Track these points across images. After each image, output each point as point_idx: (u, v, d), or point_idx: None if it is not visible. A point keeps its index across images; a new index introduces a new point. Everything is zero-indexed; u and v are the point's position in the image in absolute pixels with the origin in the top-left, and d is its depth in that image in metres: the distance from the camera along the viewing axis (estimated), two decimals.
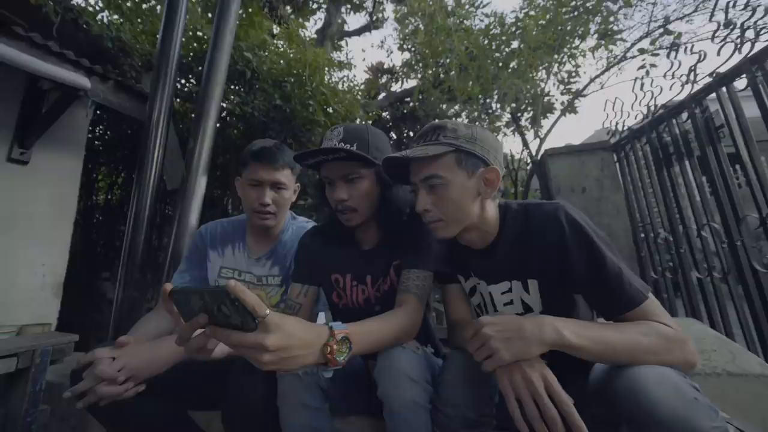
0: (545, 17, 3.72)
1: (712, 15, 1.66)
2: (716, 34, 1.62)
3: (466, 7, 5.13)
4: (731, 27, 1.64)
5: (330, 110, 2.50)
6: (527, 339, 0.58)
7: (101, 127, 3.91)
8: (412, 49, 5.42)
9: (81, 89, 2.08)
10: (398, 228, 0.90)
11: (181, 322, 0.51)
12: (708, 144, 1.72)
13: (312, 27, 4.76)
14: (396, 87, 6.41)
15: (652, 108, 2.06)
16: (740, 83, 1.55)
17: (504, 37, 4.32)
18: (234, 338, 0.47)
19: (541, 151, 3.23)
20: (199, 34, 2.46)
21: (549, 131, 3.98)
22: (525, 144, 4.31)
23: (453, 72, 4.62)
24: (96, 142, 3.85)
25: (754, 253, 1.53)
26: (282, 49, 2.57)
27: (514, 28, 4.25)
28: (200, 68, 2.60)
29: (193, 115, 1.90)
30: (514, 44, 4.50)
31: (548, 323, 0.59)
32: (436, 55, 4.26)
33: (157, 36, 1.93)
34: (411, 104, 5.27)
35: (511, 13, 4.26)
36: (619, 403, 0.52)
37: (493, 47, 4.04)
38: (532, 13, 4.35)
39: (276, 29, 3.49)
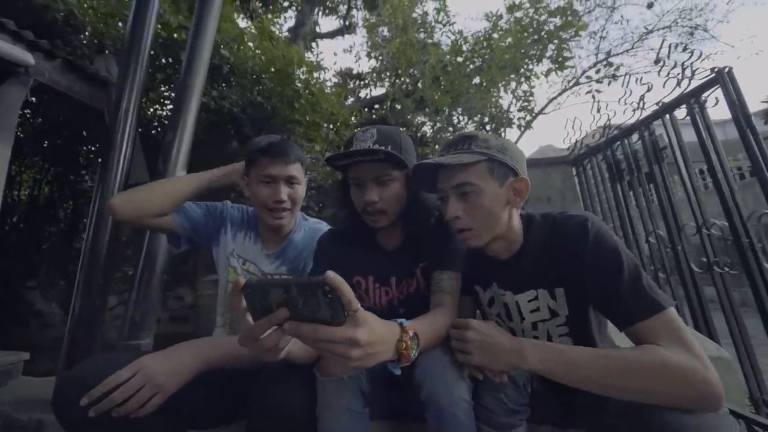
0: (510, 38, 4.04)
1: (658, 55, 1.95)
2: (661, 71, 1.90)
3: (433, 24, 5.39)
4: (661, 63, 1.94)
5: (315, 110, 2.44)
6: (498, 356, 0.65)
7: (28, 111, 3.37)
8: (380, 57, 5.53)
9: (21, 65, 1.78)
10: (424, 230, 0.90)
11: (247, 321, 0.48)
12: (654, 162, 1.99)
13: (283, 25, 4.62)
14: (363, 93, 6.51)
15: (608, 129, 2.34)
16: (680, 112, 1.84)
17: (470, 54, 4.61)
18: (322, 333, 0.44)
19: None
20: (169, 19, 2.26)
21: (517, 141, 4.30)
22: None
23: (422, 83, 4.81)
24: (18, 129, 3.30)
25: (692, 256, 1.80)
26: (264, 44, 2.46)
27: (479, 47, 4.56)
28: (168, 59, 2.40)
29: (170, 106, 1.73)
30: (477, 62, 4.83)
31: (522, 348, 0.64)
32: (410, 65, 4.38)
33: (120, 17, 1.74)
34: (381, 111, 5.36)
35: (474, 34, 4.54)
36: None
37: (464, 62, 4.29)
38: (495, 35, 4.72)
39: (246, 24, 3.34)
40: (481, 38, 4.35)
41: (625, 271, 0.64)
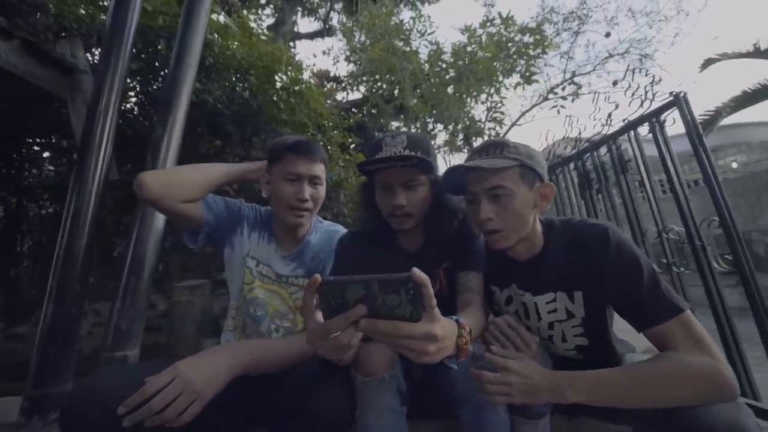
0: (488, 52, 4.26)
1: (624, 76, 2.17)
2: (627, 91, 2.12)
3: (411, 33, 5.53)
4: (618, 85, 2.17)
5: (303, 111, 2.39)
6: (537, 396, 0.67)
7: None
8: (359, 62, 5.55)
9: None
10: (448, 233, 0.93)
11: (316, 319, 0.47)
12: (620, 173, 2.21)
13: (263, 22, 4.47)
14: (340, 96, 6.46)
15: (579, 141, 2.55)
16: (643, 129, 2.06)
17: (447, 65, 4.79)
18: (404, 329, 0.44)
19: None
20: (146, 7, 2.12)
21: None
22: None
23: (403, 90, 4.90)
24: None
25: (653, 257, 2.01)
26: (250, 41, 2.38)
27: (456, 59, 4.76)
28: (147, 48, 2.24)
29: (160, 100, 1.62)
30: (452, 72, 5.02)
31: (560, 387, 0.66)
32: (390, 71, 4.45)
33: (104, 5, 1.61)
34: (359, 115, 5.37)
35: (453, 44, 4.73)
36: None
37: (441, 72, 4.45)
38: (470, 48, 4.94)
39: (224, 19, 3.22)
40: (458, 50, 4.54)
41: (645, 277, 0.70)
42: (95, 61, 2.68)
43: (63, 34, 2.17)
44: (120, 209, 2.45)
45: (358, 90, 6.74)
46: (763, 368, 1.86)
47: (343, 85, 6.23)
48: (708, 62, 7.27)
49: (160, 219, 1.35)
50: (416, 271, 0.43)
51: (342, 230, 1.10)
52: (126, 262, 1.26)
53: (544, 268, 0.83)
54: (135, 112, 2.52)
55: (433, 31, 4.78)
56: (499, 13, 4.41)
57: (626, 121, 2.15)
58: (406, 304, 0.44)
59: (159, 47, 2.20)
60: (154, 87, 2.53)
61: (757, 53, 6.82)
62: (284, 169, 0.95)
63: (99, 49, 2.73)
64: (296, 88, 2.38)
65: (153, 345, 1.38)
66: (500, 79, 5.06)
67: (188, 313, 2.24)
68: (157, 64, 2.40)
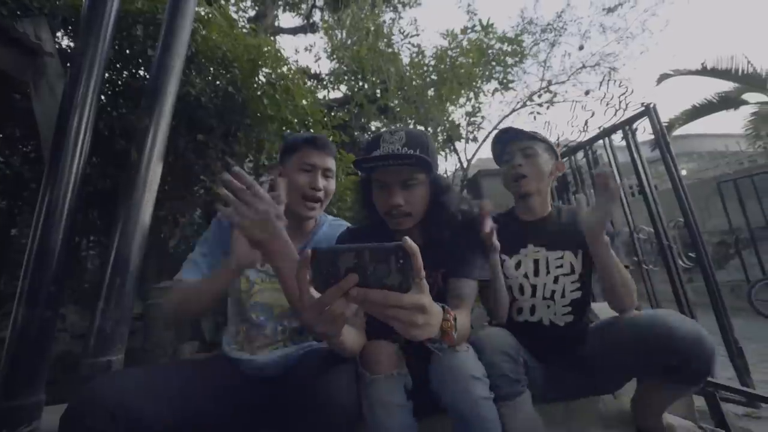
0: (470, 55, 4.37)
1: (601, 86, 2.32)
2: (602, 100, 2.26)
3: (392, 35, 5.56)
4: (588, 93, 2.34)
5: (289, 108, 2.33)
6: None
7: None
8: (342, 60, 5.51)
9: None
10: (446, 234, 0.93)
11: (312, 294, 0.46)
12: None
13: (245, 13, 4.31)
14: (321, 94, 6.31)
15: (557, 147, 2.69)
16: (617, 136, 2.21)
17: (430, 68, 4.86)
18: (393, 298, 0.43)
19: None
20: None
21: (473, 156, 4.63)
22: (461, 164, 4.89)
23: (382, 90, 4.91)
24: None
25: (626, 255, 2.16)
26: (234, 32, 2.29)
27: (439, 63, 4.84)
28: (120, 34, 2.09)
29: (145, 88, 1.52)
30: (434, 76, 5.11)
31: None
32: (378, 71, 4.45)
33: None
34: (341, 113, 5.31)
35: (436, 48, 4.81)
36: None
37: (423, 75, 4.51)
38: (451, 53, 5.05)
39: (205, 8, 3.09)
40: (441, 53, 4.63)
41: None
42: (66, 45, 2.47)
43: (18, 12, 1.98)
44: (88, 204, 2.27)
45: (338, 89, 6.69)
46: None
47: (325, 82, 6.15)
48: (663, 77, 7.93)
49: (146, 214, 1.26)
50: (407, 239, 0.43)
51: (346, 225, 1.10)
52: (109, 260, 1.17)
53: (554, 226, 1.12)
54: (103, 101, 2.35)
55: (417, 34, 4.84)
56: (480, 21, 4.56)
57: (602, 129, 2.30)
58: (396, 274, 0.44)
59: (137, 33, 2.06)
60: (126, 76, 2.37)
61: (705, 71, 7.53)
62: (300, 160, 0.96)
63: (64, 32, 2.53)
64: (282, 82, 2.32)
65: (127, 350, 1.29)
66: (478, 84, 5.22)
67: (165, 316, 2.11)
68: (128, 51, 2.25)
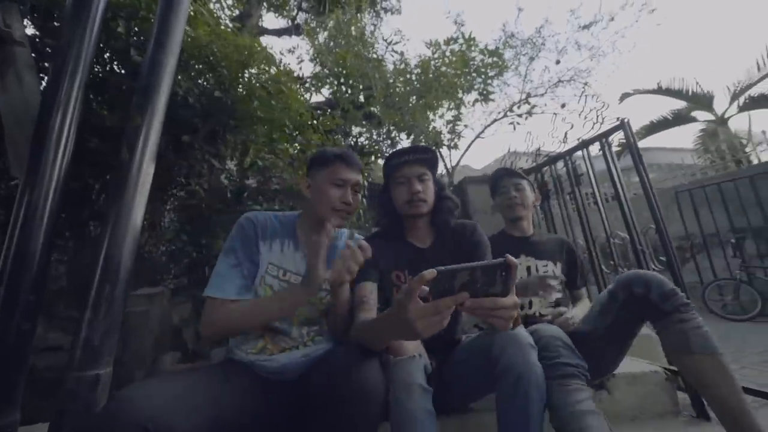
0: (455, 65, 4.50)
1: (580, 99, 2.47)
2: (581, 113, 2.42)
3: (375, 42, 5.63)
4: (564, 106, 2.50)
5: (278, 109, 2.30)
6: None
7: None
8: (327, 63, 5.48)
9: None
10: (448, 227, 1.18)
11: (418, 301, 0.59)
12: (575, 185, 2.50)
13: (228, 12, 4.18)
14: (302, 98, 6.21)
15: (538, 156, 2.83)
16: (594, 148, 2.36)
17: (414, 76, 4.95)
18: (501, 303, 0.57)
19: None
20: None
21: (458, 163, 4.75)
22: (447, 170, 4.98)
23: (366, 96, 4.94)
24: None
25: (602, 259, 2.30)
26: (222, 31, 2.23)
27: (421, 70, 4.95)
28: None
29: (137, 85, 1.43)
30: (417, 84, 5.21)
31: None
32: (364, 77, 4.48)
33: None
34: (325, 116, 5.27)
35: (420, 56, 4.92)
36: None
37: (411, 83, 4.59)
38: (434, 63, 5.18)
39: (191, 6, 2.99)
40: (426, 62, 4.73)
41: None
42: (32, 33, 2.29)
43: None
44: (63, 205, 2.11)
45: (320, 92, 6.65)
46: None
47: (307, 85, 6.09)
48: (624, 96, 8.57)
49: (137, 217, 1.19)
50: (509, 256, 0.55)
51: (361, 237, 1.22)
52: (98, 265, 1.09)
53: (539, 242, 1.57)
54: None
55: (399, 41, 4.93)
56: (462, 33, 4.72)
57: (580, 140, 2.45)
58: (500, 284, 0.57)
59: (118, 29, 1.96)
60: (98, 71, 2.23)
61: (660, 90, 8.22)
62: (332, 175, 1.02)
63: (30, 20, 2.35)
64: (274, 85, 2.28)
65: None
66: (460, 95, 5.39)
67: (145, 324, 2.00)
68: (101, 45, 2.12)
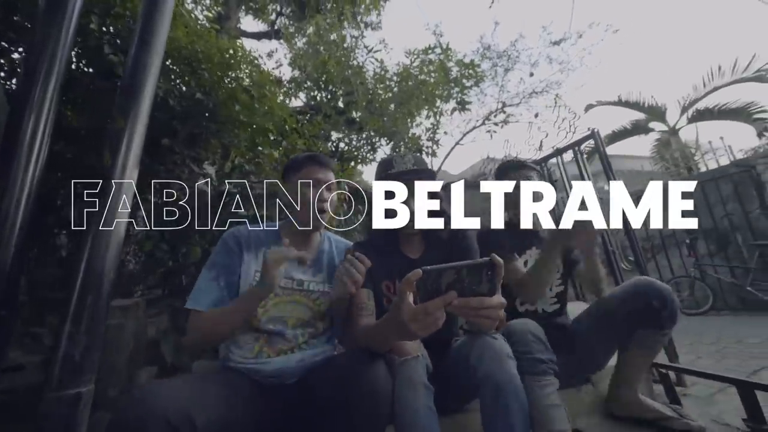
0: (432, 75, 4.62)
1: (554, 109, 2.63)
2: (556, 122, 2.57)
3: (357, 49, 5.67)
4: (537, 116, 2.66)
5: (260, 114, 2.26)
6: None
7: None
8: (306, 68, 5.45)
9: None
10: (439, 238, 1.18)
11: (409, 303, 0.60)
12: None
13: (209, 15, 4.06)
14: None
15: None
16: (567, 155, 2.51)
17: (393, 84, 5.03)
18: (487, 302, 0.58)
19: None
20: None
21: (439, 169, 4.84)
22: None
23: (347, 102, 4.96)
24: None
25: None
26: (203, 32, 2.17)
27: (401, 78, 5.04)
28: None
29: (120, 86, 1.37)
30: (396, 91, 5.30)
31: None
32: (347, 84, 4.49)
33: None
34: (305, 121, 5.22)
35: (400, 65, 5.01)
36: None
37: (391, 90, 4.66)
38: (413, 71, 5.29)
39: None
40: (406, 70, 4.83)
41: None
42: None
43: None
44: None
45: (297, 97, 6.59)
46: None
47: (285, 90, 6.02)
48: (589, 107, 9.15)
49: (121, 224, 1.14)
50: (494, 256, 0.56)
51: (347, 243, 1.23)
52: (78, 275, 1.02)
53: (537, 237, 1.53)
54: None
55: (380, 50, 5.01)
56: (440, 43, 4.87)
57: (555, 148, 2.60)
58: (486, 283, 0.57)
59: (90, 26, 1.87)
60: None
61: (620, 102, 8.84)
62: (305, 176, 1.04)
63: None
64: (257, 89, 2.25)
65: None
66: (438, 104, 5.53)
67: (119, 338, 1.89)
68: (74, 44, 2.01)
